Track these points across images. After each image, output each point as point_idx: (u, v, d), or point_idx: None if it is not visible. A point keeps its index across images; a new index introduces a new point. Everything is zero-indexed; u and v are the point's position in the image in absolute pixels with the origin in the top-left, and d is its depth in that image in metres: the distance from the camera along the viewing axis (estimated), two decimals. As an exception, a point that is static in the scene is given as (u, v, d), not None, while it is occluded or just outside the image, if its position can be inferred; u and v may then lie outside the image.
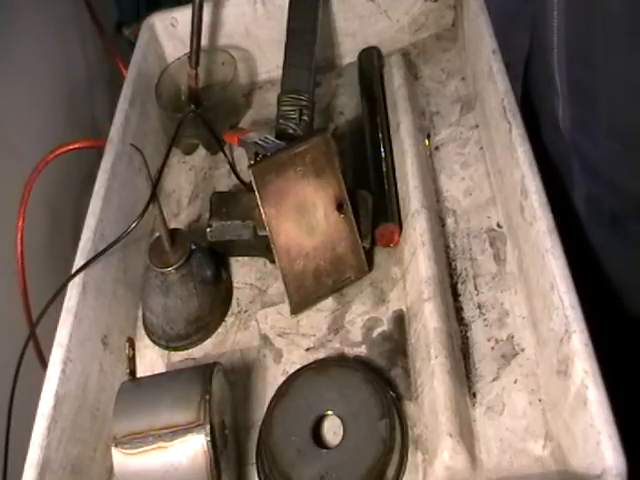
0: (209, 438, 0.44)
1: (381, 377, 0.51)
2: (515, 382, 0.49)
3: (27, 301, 0.61)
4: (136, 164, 0.65)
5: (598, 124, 0.59)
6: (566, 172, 0.66)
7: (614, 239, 0.65)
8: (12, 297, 0.63)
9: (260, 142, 0.59)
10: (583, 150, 0.62)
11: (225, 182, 0.71)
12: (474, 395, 0.49)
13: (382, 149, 0.64)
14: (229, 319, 0.60)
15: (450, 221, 0.60)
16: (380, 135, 0.66)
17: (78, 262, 0.56)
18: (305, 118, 0.64)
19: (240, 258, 0.64)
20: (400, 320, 0.55)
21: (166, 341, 0.59)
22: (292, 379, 0.51)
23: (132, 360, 0.50)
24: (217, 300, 0.60)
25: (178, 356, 0.59)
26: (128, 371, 0.49)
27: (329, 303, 0.58)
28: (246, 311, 0.60)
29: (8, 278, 0.63)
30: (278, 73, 0.68)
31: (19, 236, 0.61)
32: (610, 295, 0.68)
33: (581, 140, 0.62)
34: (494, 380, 0.50)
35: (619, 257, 0.66)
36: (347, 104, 0.74)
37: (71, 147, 0.65)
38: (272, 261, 0.60)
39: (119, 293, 0.60)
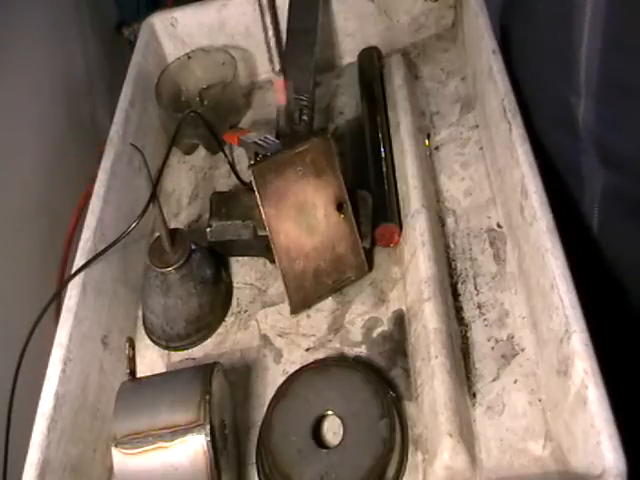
0: (209, 438, 0.44)
1: (381, 377, 0.51)
2: (515, 382, 0.49)
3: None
4: (136, 164, 0.65)
5: (630, 116, 0.58)
6: (572, 171, 0.66)
7: (634, 230, 0.65)
8: (12, 297, 0.63)
9: (260, 142, 0.59)
10: (607, 144, 0.61)
11: (225, 182, 0.71)
12: (474, 395, 0.49)
13: (382, 149, 0.64)
14: (229, 319, 0.60)
15: (450, 221, 0.60)
16: (380, 135, 0.66)
17: (78, 262, 0.56)
18: (305, 118, 0.64)
19: (240, 258, 0.64)
20: (400, 320, 0.55)
21: (166, 341, 0.59)
22: (292, 379, 0.51)
23: (132, 360, 0.50)
24: (217, 300, 0.60)
25: (178, 356, 0.59)
26: (128, 371, 0.49)
27: (329, 303, 0.58)
28: (246, 311, 0.60)
29: (8, 278, 0.63)
30: (278, 73, 0.68)
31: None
32: (622, 291, 0.68)
33: (606, 135, 0.61)
34: (494, 380, 0.50)
35: (638, 247, 0.66)
36: (347, 104, 0.74)
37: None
38: (272, 261, 0.60)
39: (119, 293, 0.60)
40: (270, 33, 0.53)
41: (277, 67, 0.56)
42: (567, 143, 0.65)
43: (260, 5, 0.52)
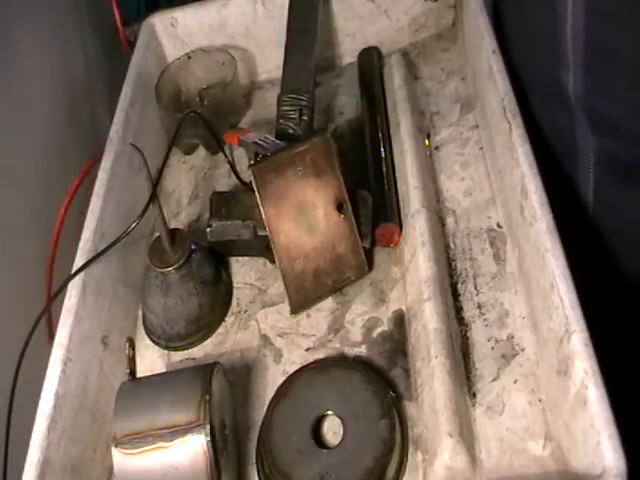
0: (209, 438, 0.44)
1: (381, 377, 0.51)
2: (515, 382, 0.49)
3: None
4: (136, 164, 0.65)
5: (619, 80, 0.59)
6: (567, 144, 0.67)
7: (630, 194, 0.65)
8: (12, 297, 0.63)
9: (260, 142, 0.59)
10: (597, 111, 0.62)
11: (225, 182, 0.71)
12: (474, 395, 0.49)
13: (382, 149, 0.64)
14: (229, 319, 0.60)
15: (450, 221, 0.60)
16: (380, 135, 0.66)
17: (78, 262, 0.56)
18: (305, 118, 0.64)
19: (240, 258, 0.64)
20: (400, 320, 0.55)
21: (166, 341, 0.59)
22: (292, 379, 0.51)
23: (132, 360, 0.50)
24: (217, 300, 0.60)
25: (178, 356, 0.59)
26: (128, 371, 0.49)
27: (329, 303, 0.58)
28: (246, 311, 0.60)
29: (8, 278, 0.63)
30: (278, 73, 0.68)
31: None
32: (620, 263, 0.69)
33: (596, 102, 0.62)
34: (494, 380, 0.50)
35: (634, 213, 0.66)
36: (347, 104, 0.74)
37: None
38: (272, 261, 0.60)
39: (119, 293, 0.60)
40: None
41: None
42: (560, 117, 0.65)
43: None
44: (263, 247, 0.58)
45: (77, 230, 0.59)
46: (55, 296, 0.54)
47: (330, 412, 0.49)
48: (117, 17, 0.81)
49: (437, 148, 0.66)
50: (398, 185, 0.62)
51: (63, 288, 0.54)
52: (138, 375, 0.50)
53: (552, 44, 0.61)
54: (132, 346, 0.50)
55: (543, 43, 0.64)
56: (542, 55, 0.65)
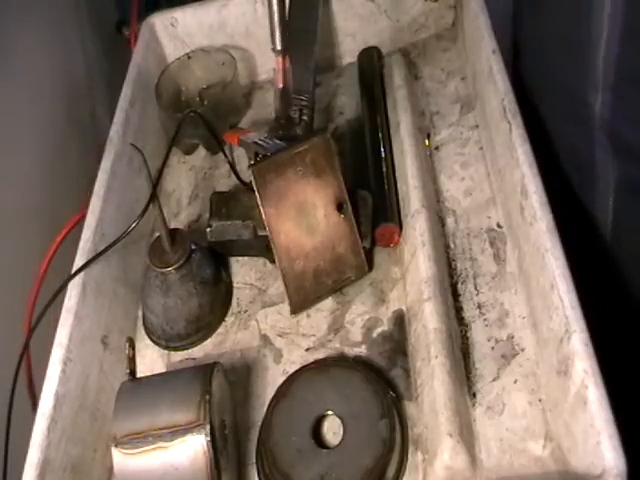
0: (209, 438, 0.44)
1: (381, 377, 0.51)
2: (515, 382, 0.49)
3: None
4: (136, 164, 0.65)
5: None
6: (584, 165, 0.66)
7: None
8: (12, 297, 0.63)
9: (260, 142, 0.59)
10: (622, 136, 0.61)
11: (225, 182, 0.71)
12: (474, 395, 0.49)
13: (382, 149, 0.64)
14: (229, 319, 0.60)
15: (450, 221, 0.60)
16: (380, 135, 0.66)
17: (78, 262, 0.56)
18: (305, 118, 0.64)
19: (240, 258, 0.64)
20: (400, 320, 0.55)
21: (166, 341, 0.59)
22: (292, 379, 0.51)
23: (132, 360, 0.50)
24: (217, 300, 0.60)
25: (178, 356, 0.59)
26: (128, 371, 0.49)
27: (329, 303, 0.58)
28: (246, 311, 0.60)
29: (8, 278, 0.63)
30: (278, 73, 0.68)
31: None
32: (633, 285, 0.68)
33: (621, 127, 0.61)
34: (494, 380, 0.50)
35: None
36: (347, 104, 0.74)
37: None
38: (272, 261, 0.60)
39: (119, 293, 0.60)
40: (275, 8, 0.50)
41: (278, 46, 0.54)
42: (579, 136, 0.65)
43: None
44: (263, 247, 0.58)
45: (77, 230, 0.59)
46: (55, 296, 0.54)
47: (330, 412, 0.49)
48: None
49: (437, 148, 0.66)
50: (398, 185, 0.62)
51: (63, 288, 0.54)
52: (138, 375, 0.50)
53: (582, 62, 0.60)
54: (132, 346, 0.50)
55: (571, 59, 0.62)
56: (568, 71, 0.63)
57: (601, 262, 0.68)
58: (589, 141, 0.64)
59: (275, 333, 0.58)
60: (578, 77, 0.61)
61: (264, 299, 0.60)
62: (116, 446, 0.45)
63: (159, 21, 0.78)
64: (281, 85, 0.55)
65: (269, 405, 0.50)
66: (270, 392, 0.52)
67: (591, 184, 0.66)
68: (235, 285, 0.62)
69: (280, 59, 0.54)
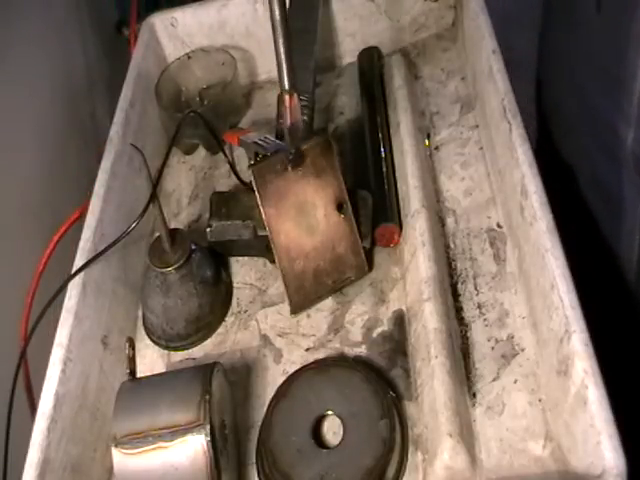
0: (209, 438, 0.44)
1: (381, 377, 0.51)
2: (515, 382, 0.49)
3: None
4: (136, 164, 0.65)
5: None
6: (611, 197, 0.64)
7: None
8: (12, 297, 0.63)
9: (260, 142, 0.59)
10: None
11: (225, 182, 0.71)
12: (474, 395, 0.49)
13: (382, 149, 0.64)
14: (229, 319, 0.60)
15: (450, 221, 0.60)
16: (380, 135, 0.66)
17: (78, 262, 0.56)
18: (305, 118, 0.64)
19: (240, 258, 0.64)
20: (400, 320, 0.55)
21: (166, 341, 0.59)
22: (292, 379, 0.51)
23: (132, 360, 0.50)
24: (217, 300, 0.60)
25: (178, 356, 0.59)
26: (128, 371, 0.49)
27: (329, 303, 0.58)
28: (246, 311, 0.60)
29: (8, 278, 0.63)
30: (278, 73, 0.68)
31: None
32: None
33: None
34: (494, 380, 0.50)
35: None
36: (347, 104, 0.74)
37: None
38: (272, 261, 0.60)
39: (119, 293, 0.60)
40: (281, 49, 0.51)
41: (286, 86, 0.54)
42: (609, 169, 0.63)
43: (272, 21, 0.50)
44: (263, 247, 0.58)
45: (77, 230, 0.59)
46: (55, 296, 0.54)
47: (330, 412, 0.49)
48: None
49: (437, 148, 0.66)
50: (398, 185, 0.62)
51: (63, 288, 0.54)
52: (138, 375, 0.50)
53: (617, 96, 0.60)
54: (132, 346, 0.50)
55: (606, 90, 0.61)
56: (601, 96, 0.62)
57: (625, 301, 0.67)
58: (617, 175, 0.63)
59: (275, 333, 0.58)
60: (612, 108, 0.60)
61: (264, 299, 0.60)
62: (116, 446, 0.45)
63: (159, 21, 0.78)
64: (289, 122, 0.55)
65: (269, 405, 0.50)
66: (270, 392, 0.52)
67: (617, 219, 0.65)
68: (235, 285, 0.62)
69: (288, 97, 0.55)
